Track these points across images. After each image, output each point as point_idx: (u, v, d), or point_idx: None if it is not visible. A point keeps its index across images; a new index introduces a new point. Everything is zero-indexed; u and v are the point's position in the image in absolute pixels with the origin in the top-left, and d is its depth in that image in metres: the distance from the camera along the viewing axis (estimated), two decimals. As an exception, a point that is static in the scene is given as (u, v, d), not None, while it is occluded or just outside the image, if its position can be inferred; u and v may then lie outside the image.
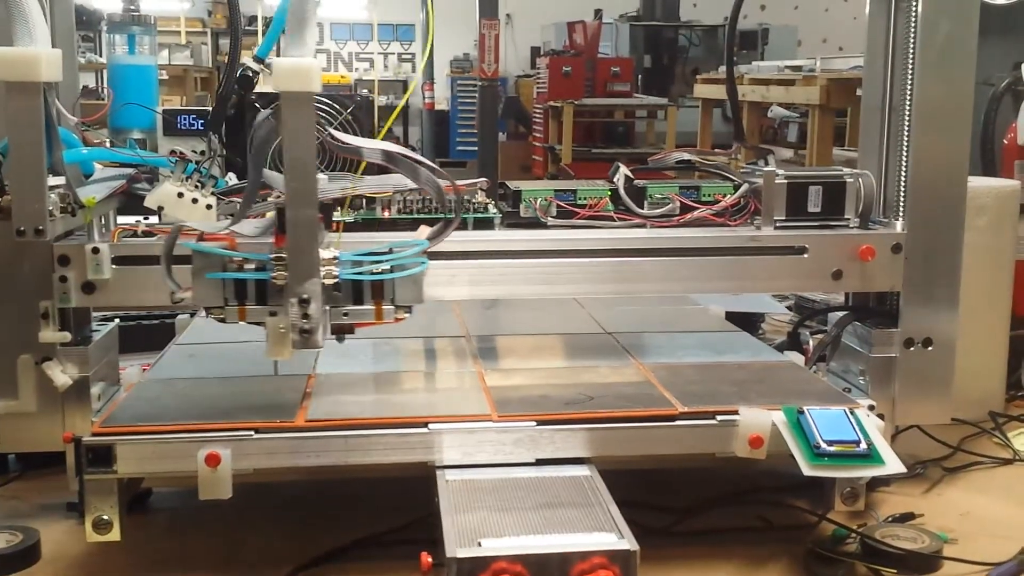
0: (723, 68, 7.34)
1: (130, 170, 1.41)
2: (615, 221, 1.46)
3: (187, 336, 1.66)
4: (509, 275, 1.37)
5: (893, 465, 1.20)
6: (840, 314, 1.53)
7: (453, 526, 1.06)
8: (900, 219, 1.45)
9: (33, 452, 1.42)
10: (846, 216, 1.44)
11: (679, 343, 1.60)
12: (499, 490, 1.16)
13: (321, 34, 13.92)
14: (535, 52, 11.38)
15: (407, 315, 1.23)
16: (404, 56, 13.56)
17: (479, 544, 1.03)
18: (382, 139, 1.25)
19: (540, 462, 1.22)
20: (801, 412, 1.24)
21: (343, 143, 1.22)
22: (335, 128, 1.48)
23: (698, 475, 1.44)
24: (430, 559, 1.03)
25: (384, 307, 1.22)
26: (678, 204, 1.47)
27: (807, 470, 1.19)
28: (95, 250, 1.31)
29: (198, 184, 1.33)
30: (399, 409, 1.28)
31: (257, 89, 1.46)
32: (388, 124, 1.29)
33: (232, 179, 1.44)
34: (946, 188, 1.43)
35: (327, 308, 1.20)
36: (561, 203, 1.46)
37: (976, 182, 1.77)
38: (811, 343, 1.64)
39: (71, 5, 1.50)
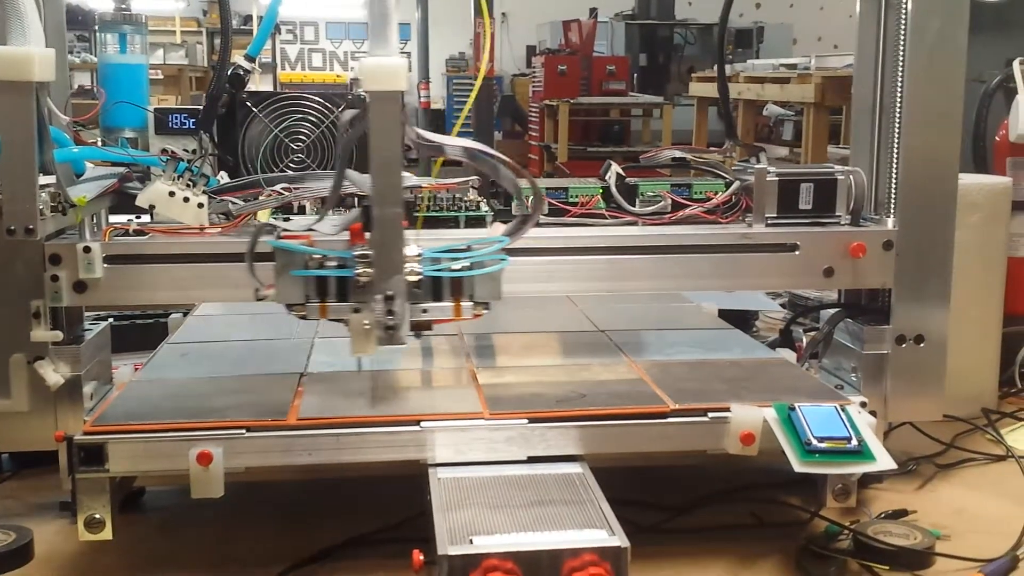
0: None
1: (121, 169, 1.41)
2: (607, 219, 1.46)
3: (180, 335, 1.66)
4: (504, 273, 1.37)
5: (884, 461, 1.20)
6: (832, 311, 1.53)
7: (445, 523, 1.07)
8: (891, 216, 1.45)
9: (26, 451, 1.42)
10: (837, 213, 1.45)
11: (672, 341, 1.60)
12: (491, 488, 1.16)
13: (316, 33, 13.93)
14: (531, 51, 11.38)
15: (485, 311, 1.25)
16: (400, 55, 13.57)
17: (471, 541, 1.03)
18: (455, 135, 1.27)
19: (532, 460, 1.22)
20: (792, 409, 1.24)
21: (427, 141, 1.24)
22: (326, 128, 1.48)
23: (691, 472, 1.44)
24: (422, 557, 1.03)
25: (463, 303, 1.24)
26: (669, 202, 1.47)
27: (798, 467, 1.19)
28: (86, 249, 1.31)
29: (189, 183, 1.34)
30: (391, 407, 1.28)
31: (248, 88, 1.46)
32: (458, 124, 1.31)
33: (224, 177, 1.44)
34: (937, 185, 1.43)
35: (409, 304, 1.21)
36: (553, 201, 1.46)
37: (968, 179, 1.78)
38: (805, 340, 1.64)
39: (62, 4, 1.50)
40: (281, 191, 1.37)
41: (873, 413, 1.39)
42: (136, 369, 1.49)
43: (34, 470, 1.49)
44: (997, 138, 1.97)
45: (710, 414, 1.26)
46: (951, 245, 1.44)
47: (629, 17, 10.89)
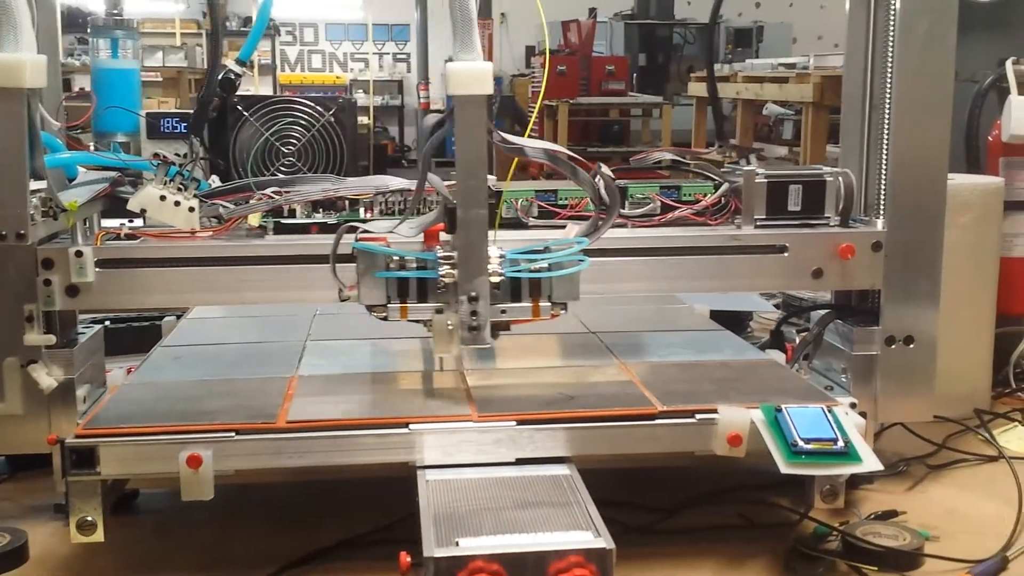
0: (717, 66, 7.35)
1: (113, 173, 1.42)
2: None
3: (173, 338, 1.67)
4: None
5: (870, 463, 1.21)
6: (822, 312, 1.54)
7: (432, 525, 1.07)
8: (881, 217, 1.45)
9: (21, 454, 1.43)
10: (826, 215, 1.45)
11: (662, 342, 1.61)
12: (479, 490, 1.17)
13: (315, 35, 13.96)
14: (530, 51, 11.38)
15: (563, 312, 1.27)
16: (399, 56, 13.56)
17: (457, 543, 1.04)
18: (527, 135, 1.29)
19: (520, 461, 1.23)
20: (779, 410, 1.24)
21: (510, 143, 1.25)
22: (317, 131, 1.49)
23: (681, 473, 1.45)
24: (409, 559, 1.04)
25: (541, 304, 1.26)
26: (659, 204, 1.47)
27: (784, 468, 1.19)
28: (78, 253, 1.32)
29: (181, 187, 1.35)
30: (380, 410, 1.29)
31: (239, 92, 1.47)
32: (529, 127, 1.34)
33: (215, 181, 1.45)
34: (926, 186, 1.43)
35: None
36: (542, 203, 1.46)
37: (960, 179, 1.78)
38: (797, 341, 1.65)
39: (55, 9, 1.51)
40: (272, 195, 1.38)
41: (863, 414, 1.39)
42: (129, 372, 1.50)
43: (29, 472, 1.50)
44: (990, 138, 1.97)
45: (698, 416, 1.26)
46: (940, 246, 1.44)
47: (628, 17, 10.90)
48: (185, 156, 1.43)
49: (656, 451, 1.27)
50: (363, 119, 12.36)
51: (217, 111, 1.48)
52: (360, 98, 13.26)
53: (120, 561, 1.28)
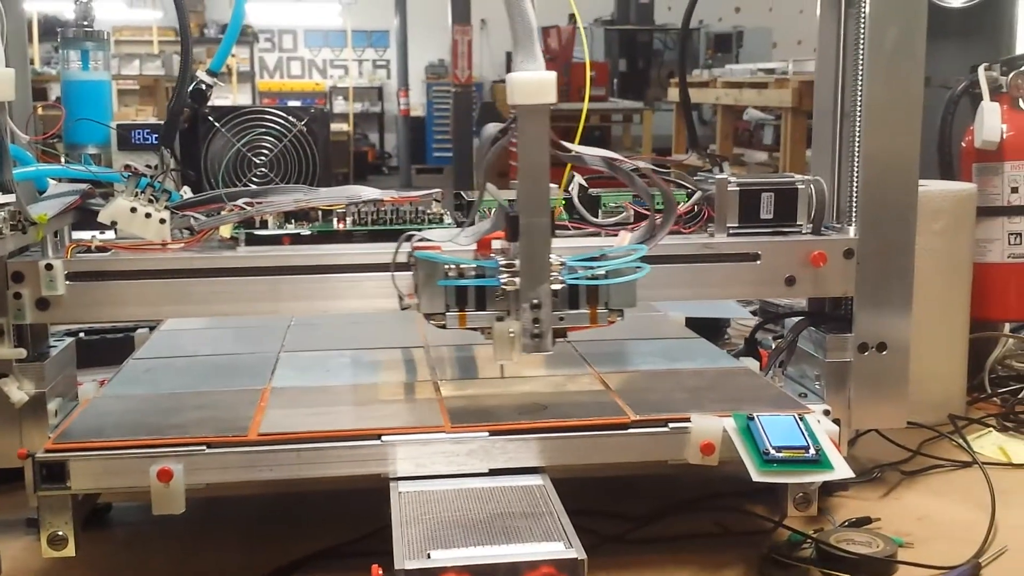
0: (697, 71, 7.38)
1: (83, 185, 1.41)
2: (569, 230, 1.46)
3: (145, 350, 1.66)
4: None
5: (842, 470, 1.21)
6: (796, 320, 1.54)
7: (403, 538, 1.07)
8: (853, 224, 1.46)
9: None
10: (799, 222, 1.45)
11: (637, 350, 1.61)
12: (451, 501, 1.16)
13: (294, 41, 13.95)
14: (510, 57, 11.40)
15: (619, 319, 1.27)
16: (379, 63, 13.57)
17: (428, 556, 1.03)
18: (578, 142, 1.31)
19: (493, 472, 1.23)
20: (751, 418, 1.25)
21: (568, 151, 1.27)
22: (288, 141, 1.48)
23: (657, 481, 1.44)
24: (381, 571, 1.04)
25: (599, 311, 1.25)
26: (632, 212, 1.48)
27: (756, 476, 1.20)
28: (48, 266, 1.31)
29: (152, 198, 1.34)
30: (353, 421, 1.28)
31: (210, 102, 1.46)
32: (579, 133, 1.34)
33: (187, 193, 1.44)
34: (897, 192, 1.44)
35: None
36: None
37: (933, 185, 1.79)
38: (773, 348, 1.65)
39: (23, 22, 1.50)
40: (244, 206, 1.37)
41: (836, 421, 1.39)
42: (101, 385, 1.49)
43: (2, 487, 1.49)
44: (963, 144, 1.98)
45: (671, 424, 1.26)
46: (912, 253, 1.45)
47: (608, 23, 10.93)
48: (156, 168, 1.42)
49: (629, 460, 1.27)
50: (343, 126, 12.36)
51: (188, 122, 1.47)
52: (340, 105, 13.26)
53: (93, 575, 1.27)
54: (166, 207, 1.34)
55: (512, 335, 1.21)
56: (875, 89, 1.42)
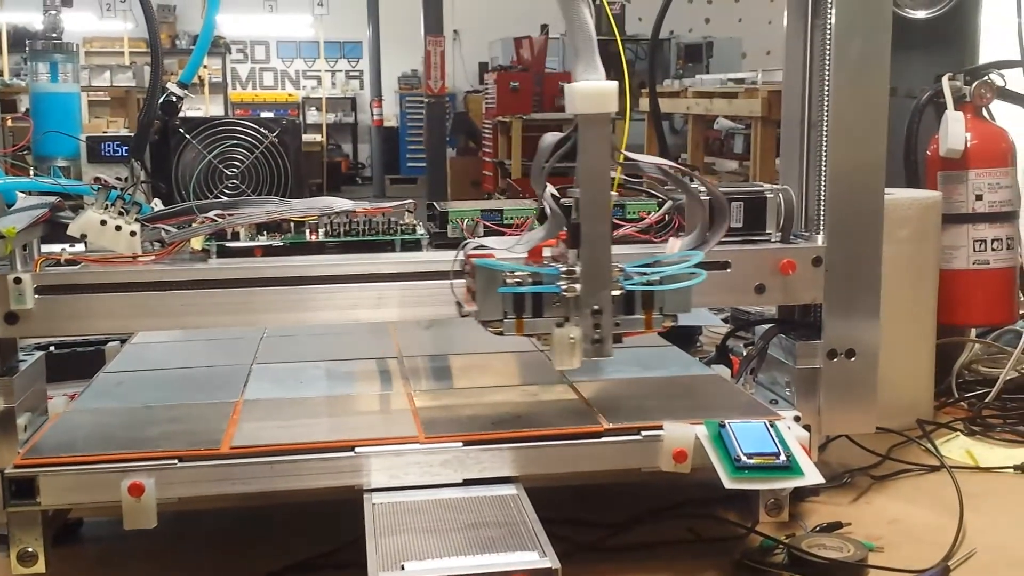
0: (668, 82, 7.42)
1: (53, 198, 1.40)
2: (543, 240, 1.47)
3: (116, 363, 1.65)
4: (438, 296, 1.37)
5: (812, 476, 1.22)
6: (766, 327, 1.55)
7: (377, 550, 1.07)
8: (821, 233, 1.47)
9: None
10: (768, 231, 1.47)
11: (609, 359, 1.61)
12: (425, 512, 1.17)
13: (267, 52, 13.91)
14: (483, 68, 11.42)
15: (673, 323, 1.27)
16: (352, 73, 13.55)
17: (402, 567, 1.04)
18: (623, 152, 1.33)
19: (467, 482, 1.23)
20: (723, 426, 1.26)
21: (629, 159, 1.30)
22: (260, 153, 1.48)
23: (631, 488, 1.45)
24: (355, 583, 1.04)
25: (654, 316, 1.25)
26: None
27: (728, 483, 1.20)
28: (17, 280, 1.29)
29: (122, 211, 1.33)
30: (326, 433, 1.28)
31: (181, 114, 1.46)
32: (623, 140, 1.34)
33: (158, 205, 1.44)
34: (864, 201, 1.45)
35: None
36: (488, 223, 1.47)
37: (899, 193, 1.81)
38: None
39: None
40: (215, 218, 1.37)
41: (807, 427, 1.41)
42: (71, 399, 1.48)
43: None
44: (928, 152, 2.00)
45: (643, 432, 1.27)
46: (879, 260, 1.46)
47: (580, 33, 10.95)
48: (126, 180, 1.42)
49: (603, 468, 1.28)
50: (316, 137, 12.34)
51: (159, 134, 1.47)
52: (313, 115, 13.23)
53: (64, 592, 1.26)
54: (136, 219, 1.34)
55: (572, 341, 1.21)
56: (841, 99, 1.44)
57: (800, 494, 1.43)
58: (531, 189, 1.52)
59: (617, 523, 1.37)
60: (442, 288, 1.36)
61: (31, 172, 1.45)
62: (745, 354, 1.60)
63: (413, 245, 1.44)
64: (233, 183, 1.49)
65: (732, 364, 1.61)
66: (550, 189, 1.25)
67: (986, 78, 1.95)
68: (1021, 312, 2.02)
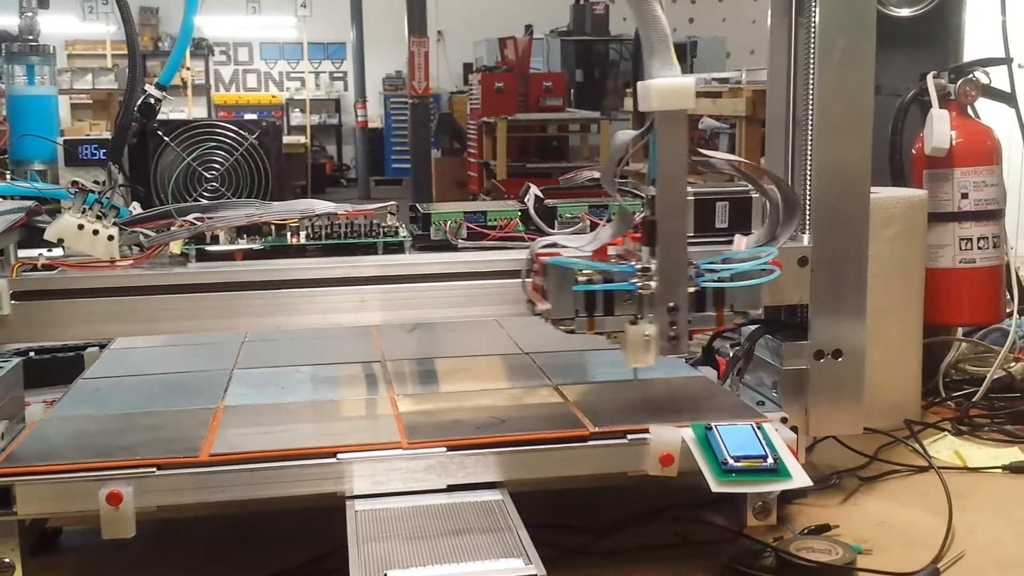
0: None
1: (29, 203, 1.38)
2: (526, 241, 1.45)
3: (95, 370, 1.63)
4: (421, 299, 1.36)
5: (800, 479, 1.21)
6: (752, 328, 1.54)
7: (359, 557, 1.06)
8: (806, 232, 1.46)
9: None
10: (753, 231, 1.46)
11: (595, 362, 1.61)
12: (409, 519, 1.15)
13: (250, 54, 13.86)
14: (467, 68, 11.41)
15: (744, 321, 1.28)
16: (336, 75, 13.51)
17: (385, 575, 1.02)
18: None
19: (451, 488, 1.22)
20: (709, 428, 1.24)
21: (701, 156, 1.29)
22: (240, 155, 1.46)
23: (617, 492, 1.44)
24: (337, 592, 1.02)
25: (725, 313, 1.25)
26: (588, 223, 1.47)
27: (715, 487, 1.19)
28: (-8, 286, 1.28)
29: (100, 215, 1.31)
30: (307, 439, 1.26)
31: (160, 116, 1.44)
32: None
33: (136, 208, 1.42)
34: (850, 200, 1.44)
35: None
36: (471, 225, 1.45)
37: (885, 192, 1.81)
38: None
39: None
40: (194, 221, 1.35)
41: (794, 429, 1.40)
42: (49, 405, 1.46)
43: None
44: (913, 151, 2.00)
45: (629, 436, 1.26)
46: (865, 259, 1.46)
47: (564, 33, 10.97)
48: (104, 183, 1.40)
49: (588, 472, 1.26)
50: (300, 138, 12.30)
51: (137, 136, 1.45)
52: (297, 117, 13.19)
53: (41, 602, 1.24)
54: (114, 223, 1.32)
55: (647, 338, 1.20)
56: (826, 98, 1.43)
57: (788, 496, 1.42)
58: (515, 190, 1.50)
59: (603, 528, 1.36)
60: (425, 291, 1.35)
61: (7, 176, 1.43)
62: (731, 355, 1.59)
63: (396, 248, 1.43)
64: (212, 186, 1.47)
65: (718, 365, 1.60)
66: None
67: (971, 76, 1.95)
68: (1007, 310, 2.01)
